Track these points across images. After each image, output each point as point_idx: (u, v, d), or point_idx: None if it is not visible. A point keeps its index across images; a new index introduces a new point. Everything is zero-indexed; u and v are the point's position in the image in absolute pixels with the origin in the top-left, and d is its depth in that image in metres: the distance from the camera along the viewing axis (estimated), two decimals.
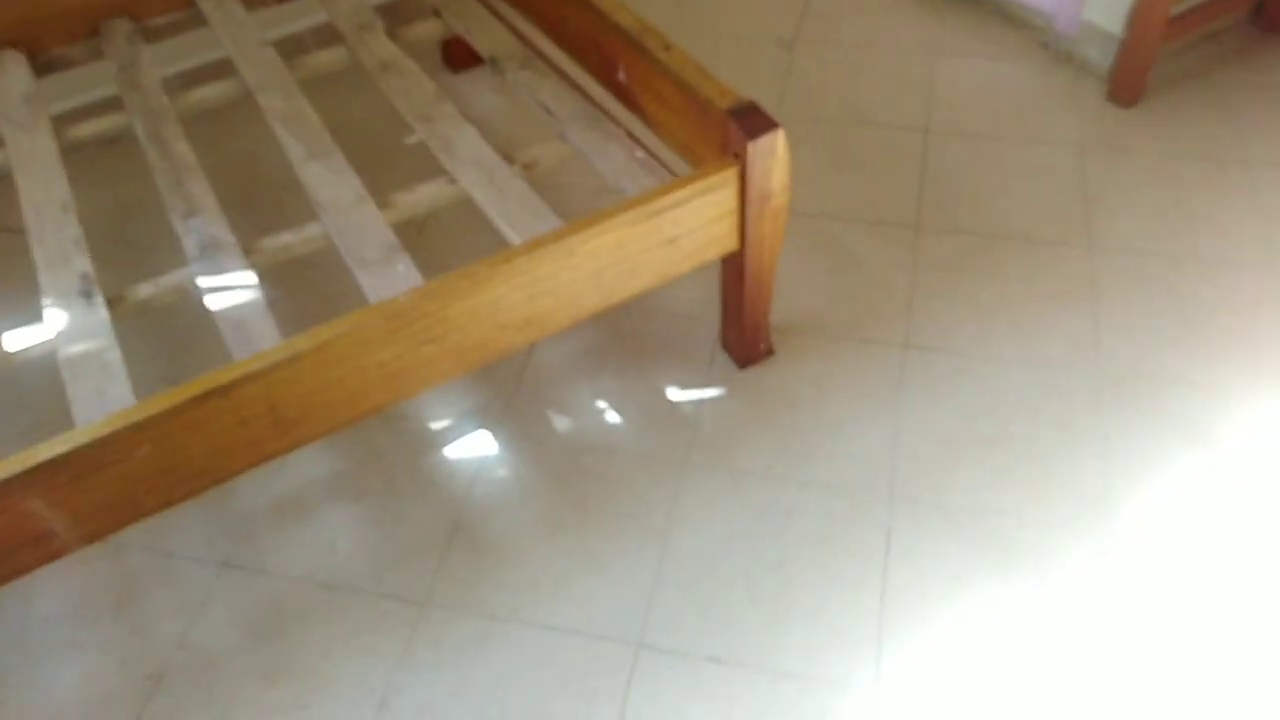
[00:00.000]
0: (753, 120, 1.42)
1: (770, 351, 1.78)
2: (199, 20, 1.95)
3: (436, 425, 1.71)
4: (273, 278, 1.52)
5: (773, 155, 1.45)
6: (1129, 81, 2.19)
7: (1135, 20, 2.11)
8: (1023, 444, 1.63)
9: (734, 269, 1.61)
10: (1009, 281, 1.88)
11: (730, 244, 1.54)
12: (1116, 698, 1.35)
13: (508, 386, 1.76)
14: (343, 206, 1.54)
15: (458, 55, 2.37)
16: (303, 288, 1.78)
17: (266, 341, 1.34)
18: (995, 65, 2.34)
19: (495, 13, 1.93)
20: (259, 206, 2.03)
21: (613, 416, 1.71)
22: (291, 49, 2.00)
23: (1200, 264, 1.88)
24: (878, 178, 2.09)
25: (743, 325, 1.70)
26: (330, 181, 1.57)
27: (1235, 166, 2.06)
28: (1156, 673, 1.36)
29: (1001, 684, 1.37)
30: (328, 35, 2.31)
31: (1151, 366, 1.72)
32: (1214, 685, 1.35)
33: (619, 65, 1.64)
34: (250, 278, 1.44)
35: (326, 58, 1.86)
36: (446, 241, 1.77)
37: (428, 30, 1.94)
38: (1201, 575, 1.46)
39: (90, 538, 1.23)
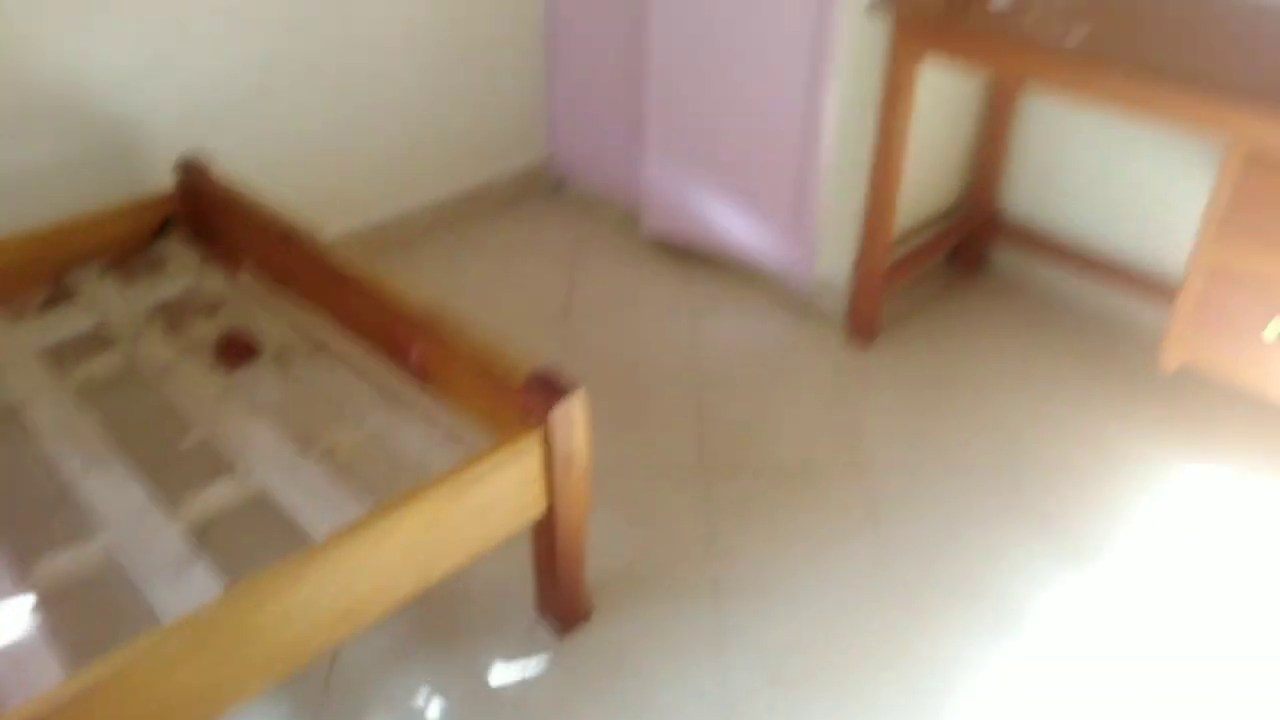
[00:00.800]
0: (551, 387, 1.49)
1: (589, 612, 1.77)
2: None
3: None
4: (49, 606, 1.37)
5: (573, 418, 1.51)
6: (862, 325, 2.48)
7: (857, 274, 2.42)
8: (844, 669, 1.68)
9: (545, 533, 1.63)
10: (797, 512, 1.99)
11: (539, 508, 1.57)
12: None
13: (315, 695, 1.64)
14: (126, 518, 1.44)
15: (231, 353, 2.34)
16: (85, 614, 1.61)
17: (50, 679, 1.20)
18: (747, 320, 2.59)
19: (274, 307, 1.95)
20: (28, 528, 1.83)
21: (434, 710, 1.62)
22: (61, 357, 1.89)
23: (956, 471, 2.08)
24: (661, 431, 2.21)
25: (559, 588, 1.69)
26: (111, 492, 1.48)
27: (961, 386, 2.34)
28: None
29: None
30: (101, 340, 2.21)
31: (935, 569, 1.86)
32: None
33: (412, 347, 1.68)
34: (24, 607, 1.30)
35: (101, 363, 1.79)
36: (237, 545, 1.67)
37: (206, 330, 1.92)
38: None
39: None
